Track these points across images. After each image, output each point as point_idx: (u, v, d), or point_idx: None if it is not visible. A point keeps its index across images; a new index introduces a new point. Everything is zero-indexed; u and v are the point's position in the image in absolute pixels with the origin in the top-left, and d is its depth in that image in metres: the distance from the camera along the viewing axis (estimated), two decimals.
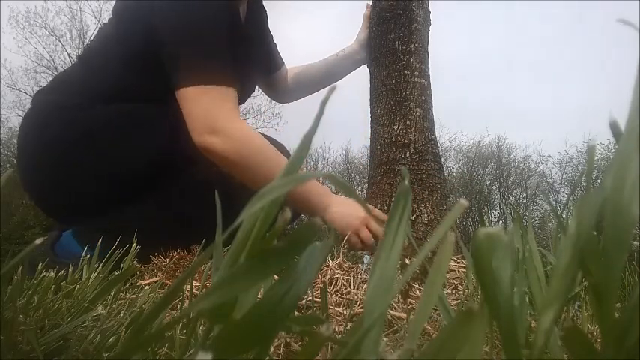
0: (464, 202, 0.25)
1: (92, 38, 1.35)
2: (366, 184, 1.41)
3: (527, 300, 0.41)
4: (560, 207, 0.64)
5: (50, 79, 1.71)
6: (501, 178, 15.05)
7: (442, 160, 1.43)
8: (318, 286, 0.65)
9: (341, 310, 0.64)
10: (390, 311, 0.61)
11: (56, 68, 12.71)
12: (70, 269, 0.62)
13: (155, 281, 0.77)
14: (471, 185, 14.63)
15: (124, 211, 1.12)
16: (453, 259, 0.97)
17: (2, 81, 12.85)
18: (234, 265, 0.25)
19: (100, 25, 1.40)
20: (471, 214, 12.14)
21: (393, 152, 1.29)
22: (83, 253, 0.71)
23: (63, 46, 13.49)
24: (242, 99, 1.47)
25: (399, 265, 0.26)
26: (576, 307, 0.63)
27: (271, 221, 0.26)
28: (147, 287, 0.63)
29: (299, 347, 0.50)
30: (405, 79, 1.33)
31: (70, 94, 1.19)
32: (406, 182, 0.28)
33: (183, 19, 1.09)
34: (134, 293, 0.68)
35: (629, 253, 0.83)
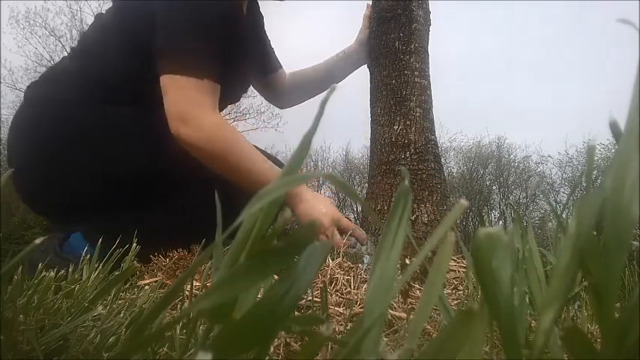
0: (464, 202, 0.25)
1: (89, 26, 1.31)
2: (366, 184, 1.41)
3: (527, 300, 0.41)
4: (560, 207, 0.64)
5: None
6: (501, 178, 15.05)
7: (442, 160, 1.43)
8: (318, 286, 0.66)
9: (341, 310, 0.64)
10: (390, 311, 0.61)
11: None
12: (70, 269, 0.62)
13: (155, 281, 0.78)
14: (471, 185, 14.62)
15: (122, 212, 1.12)
16: (453, 259, 0.97)
17: (2, 81, 12.85)
18: (234, 265, 0.25)
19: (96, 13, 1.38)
20: (471, 214, 12.13)
21: (393, 152, 1.29)
22: (83, 253, 0.71)
23: (63, 46, 13.49)
24: (235, 97, 1.47)
25: (399, 265, 0.26)
26: (576, 307, 0.63)
27: (271, 221, 0.26)
28: (147, 287, 0.63)
29: (299, 347, 0.50)
30: (405, 79, 1.33)
31: (66, 86, 1.17)
32: (406, 182, 0.28)
33: (181, 10, 1.10)
34: (134, 293, 0.68)
35: (629, 253, 0.83)
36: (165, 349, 0.43)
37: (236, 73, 1.27)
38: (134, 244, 0.74)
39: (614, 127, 0.27)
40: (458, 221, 0.79)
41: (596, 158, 0.36)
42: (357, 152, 15.69)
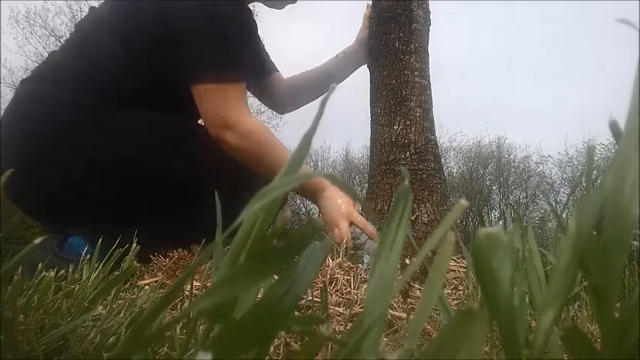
0: (464, 202, 0.25)
1: (82, 19, 1.28)
2: (366, 184, 1.41)
3: (527, 300, 0.41)
4: (560, 207, 0.64)
5: None
6: (501, 178, 15.04)
7: (442, 160, 1.43)
8: (318, 286, 0.66)
9: (341, 310, 0.64)
10: (390, 311, 0.61)
11: None
12: (70, 269, 0.62)
13: (155, 281, 0.77)
14: (471, 185, 14.61)
15: (121, 212, 1.12)
16: (453, 259, 0.97)
17: (2, 81, 12.83)
18: (234, 265, 0.25)
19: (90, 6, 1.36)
20: (471, 214, 12.13)
21: (393, 152, 1.29)
22: (83, 253, 0.71)
23: None
24: None
25: (399, 265, 0.26)
26: (576, 307, 0.63)
27: (271, 221, 0.26)
28: (147, 287, 0.63)
29: (299, 347, 0.50)
30: (405, 79, 1.33)
31: (58, 83, 1.15)
32: (406, 182, 0.27)
33: (199, 18, 1.12)
34: (134, 293, 0.68)
35: (629, 253, 0.83)
36: (165, 349, 0.43)
37: (250, 75, 1.32)
38: (134, 244, 0.74)
39: (614, 127, 0.27)
40: (458, 221, 0.79)
41: (596, 158, 0.36)
42: (357, 152, 15.70)
